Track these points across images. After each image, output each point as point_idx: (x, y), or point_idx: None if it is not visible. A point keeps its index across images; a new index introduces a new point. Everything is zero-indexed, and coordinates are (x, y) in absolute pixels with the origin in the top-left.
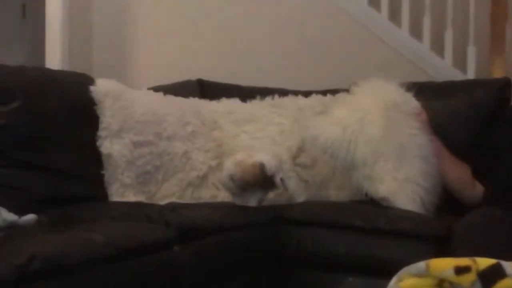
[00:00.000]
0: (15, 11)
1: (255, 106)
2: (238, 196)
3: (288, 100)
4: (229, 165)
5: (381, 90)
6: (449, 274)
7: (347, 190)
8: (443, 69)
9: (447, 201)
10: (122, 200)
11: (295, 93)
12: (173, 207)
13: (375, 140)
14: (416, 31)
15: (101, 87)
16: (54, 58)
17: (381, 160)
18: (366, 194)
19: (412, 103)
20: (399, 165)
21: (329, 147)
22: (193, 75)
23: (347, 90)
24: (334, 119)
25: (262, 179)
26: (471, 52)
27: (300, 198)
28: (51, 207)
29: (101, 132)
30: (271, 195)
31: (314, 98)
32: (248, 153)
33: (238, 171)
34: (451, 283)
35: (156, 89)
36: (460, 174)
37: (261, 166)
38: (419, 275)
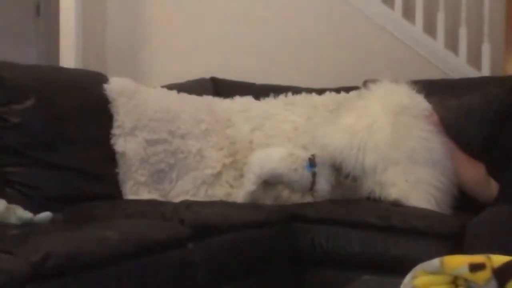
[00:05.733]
0: (29, 10)
1: (269, 104)
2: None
3: (302, 98)
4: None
5: (391, 93)
6: (464, 271)
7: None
8: (457, 66)
9: (464, 200)
10: (136, 198)
11: (309, 91)
12: (187, 205)
13: (384, 146)
14: (430, 28)
15: (115, 86)
16: (68, 57)
17: (391, 166)
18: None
19: (422, 105)
20: (410, 168)
21: (339, 155)
22: (206, 73)
23: (360, 88)
24: (343, 126)
25: None
26: (486, 49)
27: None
28: (65, 205)
29: (115, 130)
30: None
31: (327, 96)
32: None
33: None
34: (465, 280)
35: (170, 87)
36: (473, 174)
37: None
38: (433, 272)
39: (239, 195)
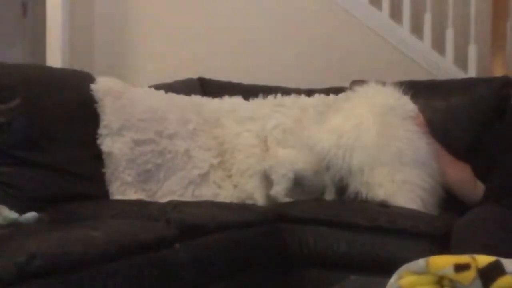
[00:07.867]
0: (16, 10)
1: (258, 104)
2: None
3: (291, 99)
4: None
5: (377, 94)
6: (449, 271)
7: None
8: (444, 67)
9: (450, 201)
10: (123, 198)
11: (298, 92)
12: (174, 205)
13: (371, 146)
14: (417, 29)
15: (102, 85)
16: (55, 57)
17: (378, 166)
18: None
19: (408, 106)
20: (397, 168)
21: (326, 155)
22: (194, 73)
23: (347, 88)
24: (330, 127)
25: None
26: (472, 50)
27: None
28: (52, 205)
29: (102, 130)
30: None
31: (316, 97)
32: None
33: None
34: (450, 280)
35: (157, 87)
36: (459, 175)
37: None
38: (419, 272)
39: (279, 196)
